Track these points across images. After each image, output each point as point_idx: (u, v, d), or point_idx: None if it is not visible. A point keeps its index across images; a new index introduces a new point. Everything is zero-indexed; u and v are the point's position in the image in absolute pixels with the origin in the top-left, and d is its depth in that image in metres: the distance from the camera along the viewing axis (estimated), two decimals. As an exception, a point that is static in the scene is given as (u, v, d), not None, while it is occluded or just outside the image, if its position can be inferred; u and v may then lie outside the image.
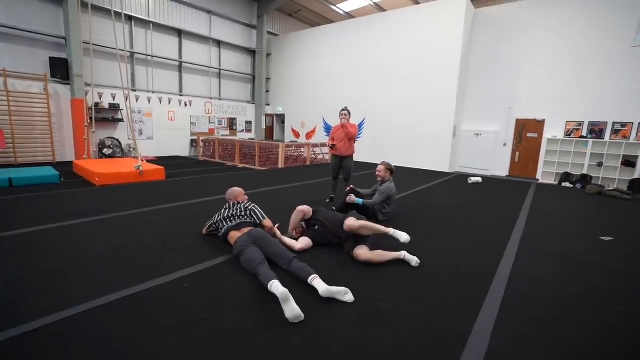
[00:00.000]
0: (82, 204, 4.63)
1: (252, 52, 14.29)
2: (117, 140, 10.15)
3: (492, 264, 2.97)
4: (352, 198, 4.07)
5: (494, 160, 9.93)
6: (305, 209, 3.29)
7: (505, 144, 9.75)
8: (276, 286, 2.10)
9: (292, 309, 1.97)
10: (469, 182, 7.63)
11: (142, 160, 7.64)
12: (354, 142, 5.05)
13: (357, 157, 5.54)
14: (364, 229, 2.88)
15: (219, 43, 12.98)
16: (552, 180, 8.71)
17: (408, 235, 2.86)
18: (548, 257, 3.21)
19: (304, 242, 3.11)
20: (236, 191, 3.43)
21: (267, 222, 3.17)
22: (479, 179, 7.73)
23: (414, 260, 2.83)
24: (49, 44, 8.95)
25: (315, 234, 3.19)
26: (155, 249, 3.03)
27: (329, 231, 3.14)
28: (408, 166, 10.46)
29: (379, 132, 11.38)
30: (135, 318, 1.97)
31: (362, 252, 2.82)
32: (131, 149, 10.35)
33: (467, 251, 3.28)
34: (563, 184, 8.16)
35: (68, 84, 9.12)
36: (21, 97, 8.42)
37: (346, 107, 4.95)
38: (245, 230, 2.89)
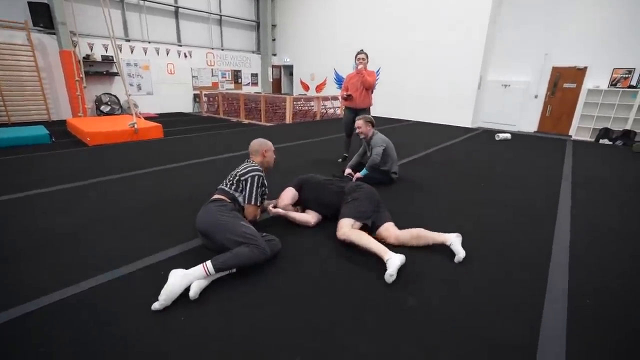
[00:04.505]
0: (68, 167, 4.18)
1: (255, -5, 12.88)
2: (115, 96, 9.51)
3: (542, 241, 2.43)
4: (357, 176, 3.52)
5: (521, 115, 8.97)
6: (291, 194, 2.58)
7: (536, 96, 8.72)
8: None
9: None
10: (497, 138, 6.88)
11: (139, 117, 7.09)
12: (372, 93, 4.33)
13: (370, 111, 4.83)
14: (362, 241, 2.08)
15: (217, -16, 11.64)
16: (587, 137, 7.85)
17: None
18: (612, 232, 2.64)
19: (316, 216, 2.57)
20: (253, 145, 2.44)
21: (250, 211, 2.24)
22: (508, 135, 6.96)
23: (459, 252, 2.07)
24: (26, -15, 8.00)
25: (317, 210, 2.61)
26: (132, 224, 2.56)
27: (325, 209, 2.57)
28: (426, 121, 9.65)
29: (395, 83, 10.37)
30: (81, 325, 1.52)
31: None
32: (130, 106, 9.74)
33: (507, 225, 2.73)
34: (601, 141, 7.32)
35: (54, 34, 8.31)
36: (4, 49, 7.72)
37: (363, 50, 4.17)
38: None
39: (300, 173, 4.12)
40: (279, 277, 1.90)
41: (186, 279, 1.66)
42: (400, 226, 2.34)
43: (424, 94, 9.88)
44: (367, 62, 4.17)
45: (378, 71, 10.53)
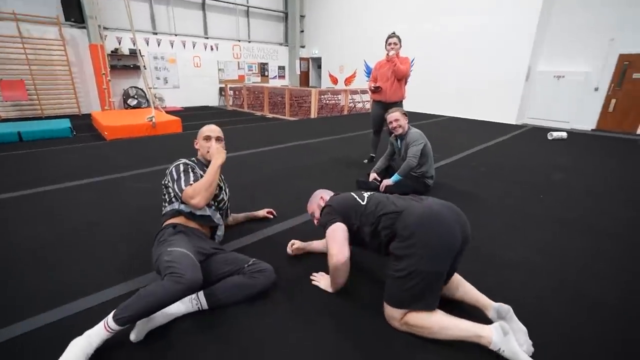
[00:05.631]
0: (75, 163, 3.96)
1: (283, -16, 12.45)
2: (141, 89, 9.51)
3: None
4: (385, 183, 2.96)
5: (577, 110, 7.87)
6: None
7: (597, 89, 7.59)
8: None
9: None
10: (550, 137, 5.98)
11: (160, 110, 6.94)
12: (405, 84, 3.74)
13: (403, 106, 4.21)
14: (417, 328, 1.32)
15: (245, -26, 11.33)
16: (661, 136, 6.69)
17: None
18: None
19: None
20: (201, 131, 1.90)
21: (189, 194, 1.61)
22: (564, 134, 6.02)
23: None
24: (58, -20, 8.08)
25: None
26: (112, 238, 2.15)
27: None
28: (464, 116, 8.78)
29: (429, 74, 9.54)
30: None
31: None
32: (157, 99, 9.72)
33: (592, 255, 2.08)
34: (681, 141, 6.17)
35: (84, 28, 8.38)
36: (38, 44, 7.86)
37: (395, 33, 3.57)
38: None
39: (320, 173, 3.67)
40: (265, 321, 1.44)
41: (86, 345, 1.16)
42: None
43: (461, 87, 8.99)
44: (400, 47, 3.57)
45: (412, 62, 9.73)
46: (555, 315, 1.52)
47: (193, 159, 1.88)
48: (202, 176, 1.73)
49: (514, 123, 8.16)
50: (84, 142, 5.30)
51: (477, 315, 1.40)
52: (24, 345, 1.30)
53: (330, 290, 1.60)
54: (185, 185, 1.64)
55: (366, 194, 1.64)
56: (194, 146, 1.94)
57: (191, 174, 1.70)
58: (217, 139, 1.87)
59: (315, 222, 1.76)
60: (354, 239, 1.56)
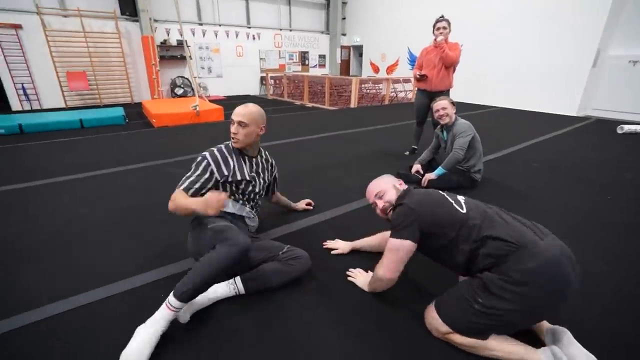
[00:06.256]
0: (125, 149, 4.22)
1: (326, -30, 12.19)
2: (187, 79, 9.91)
3: None
4: (428, 177, 2.77)
5: (655, 99, 6.92)
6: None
7: (682, 74, 6.61)
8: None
9: None
10: (620, 131, 5.31)
11: (204, 99, 7.18)
12: (453, 71, 3.48)
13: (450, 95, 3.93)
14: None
15: (288, -39, 11.24)
16: None
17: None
18: None
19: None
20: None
21: (171, 198, 1.52)
22: (638, 127, 5.32)
23: None
24: (115, -24, 8.57)
25: None
26: (154, 222, 2.24)
27: None
28: (516, 107, 8.10)
29: (478, 61, 8.88)
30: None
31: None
32: (201, 88, 10.10)
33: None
34: None
35: (137, 21, 8.85)
36: (97, 37, 8.45)
37: (443, 16, 3.31)
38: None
39: (358, 164, 3.56)
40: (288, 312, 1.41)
41: (152, 332, 1.16)
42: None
43: (514, 75, 8.27)
44: (450, 31, 3.30)
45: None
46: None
47: (228, 143, 1.78)
48: (221, 175, 1.68)
49: (575, 115, 7.38)
50: (135, 129, 5.64)
51: (528, 337, 1.25)
52: (77, 318, 1.38)
53: (366, 289, 1.53)
54: (184, 183, 1.59)
55: (460, 197, 1.35)
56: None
57: (199, 175, 1.62)
58: (239, 123, 1.64)
59: (381, 204, 1.44)
60: (434, 250, 1.31)
